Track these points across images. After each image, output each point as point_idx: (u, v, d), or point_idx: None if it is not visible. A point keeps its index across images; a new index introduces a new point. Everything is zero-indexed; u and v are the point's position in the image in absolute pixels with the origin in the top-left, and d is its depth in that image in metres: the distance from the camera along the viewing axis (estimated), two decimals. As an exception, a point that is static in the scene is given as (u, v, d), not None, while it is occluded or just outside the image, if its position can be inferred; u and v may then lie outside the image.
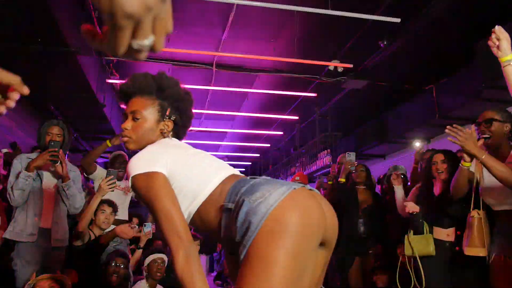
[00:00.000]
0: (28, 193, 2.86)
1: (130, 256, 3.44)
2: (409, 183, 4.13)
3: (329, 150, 7.91)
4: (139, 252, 3.66)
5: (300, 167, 9.22)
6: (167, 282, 3.26)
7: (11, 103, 0.82)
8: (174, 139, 1.49)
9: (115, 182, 3.11)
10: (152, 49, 0.53)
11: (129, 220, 3.91)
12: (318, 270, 1.27)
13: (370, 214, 3.97)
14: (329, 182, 4.62)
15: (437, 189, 2.93)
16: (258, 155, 12.26)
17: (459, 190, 2.59)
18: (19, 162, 2.92)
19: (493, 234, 2.46)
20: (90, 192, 3.91)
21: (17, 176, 2.82)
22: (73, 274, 2.92)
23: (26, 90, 0.81)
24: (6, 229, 2.91)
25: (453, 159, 2.86)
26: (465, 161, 2.44)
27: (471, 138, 2.26)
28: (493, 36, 2.02)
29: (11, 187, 2.82)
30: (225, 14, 4.80)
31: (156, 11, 0.49)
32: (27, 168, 2.82)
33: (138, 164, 1.29)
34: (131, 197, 3.78)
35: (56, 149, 2.86)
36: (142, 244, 3.67)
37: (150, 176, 1.25)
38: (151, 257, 3.14)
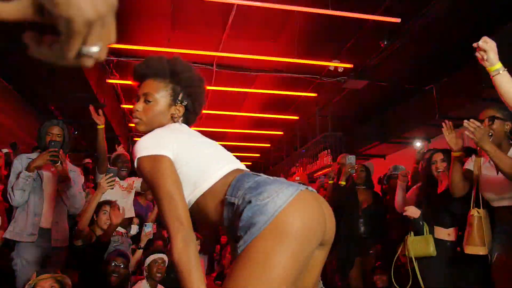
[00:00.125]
0: (29, 193, 2.86)
1: (131, 256, 3.44)
2: (409, 183, 4.13)
3: (329, 150, 7.90)
4: (139, 252, 3.67)
5: (300, 167, 9.22)
6: (167, 282, 3.26)
7: None
8: (183, 124, 1.49)
9: (114, 180, 3.10)
10: (96, 56, 0.54)
11: (140, 218, 3.91)
12: (315, 270, 1.29)
13: (370, 214, 3.98)
14: (330, 182, 4.63)
15: (440, 189, 2.92)
16: (259, 155, 12.26)
17: (455, 185, 2.59)
18: (20, 162, 2.92)
19: (494, 233, 2.46)
20: (90, 193, 3.92)
21: (18, 176, 2.82)
22: (73, 274, 2.93)
23: None
24: (6, 229, 2.91)
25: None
26: (453, 151, 2.47)
27: (486, 134, 2.27)
28: (479, 49, 2.02)
29: (12, 187, 2.82)
30: (225, 14, 4.80)
31: (106, 19, 0.51)
32: (28, 168, 2.82)
33: (145, 146, 1.29)
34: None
35: (56, 149, 2.86)
36: (142, 244, 3.67)
37: (156, 159, 1.26)
38: (152, 257, 3.15)
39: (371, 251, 3.91)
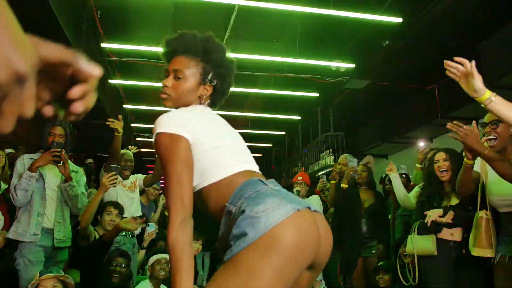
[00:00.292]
0: (31, 193, 2.87)
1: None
2: (411, 183, 4.13)
3: (331, 150, 7.90)
4: (142, 253, 3.67)
5: (302, 167, 9.22)
6: (170, 282, 3.26)
7: (79, 107, 0.51)
8: (208, 108, 1.48)
9: (117, 178, 3.10)
10: None
11: (143, 216, 3.91)
12: None
13: (372, 214, 3.98)
14: (332, 182, 4.63)
15: (443, 189, 2.90)
16: (260, 155, 12.26)
17: (463, 188, 2.57)
18: (22, 163, 2.93)
19: (498, 235, 2.46)
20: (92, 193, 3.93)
21: (20, 177, 2.83)
22: (76, 274, 2.94)
23: (95, 71, 0.51)
24: (9, 229, 2.92)
25: (455, 157, 2.85)
26: (467, 158, 2.43)
27: (472, 134, 2.21)
28: (464, 73, 1.90)
29: (14, 188, 2.83)
30: (227, 15, 4.80)
31: (7, 91, 0.42)
32: (30, 169, 2.83)
33: (167, 123, 1.28)
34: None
35: (59, 150, 2.87)
36: (145, 245, 3.67)
37: (174, 137, 1.26)
38: (155, 257, 3.15)
39: (373, 251, 3.90)
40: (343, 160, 4.52)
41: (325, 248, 1.21)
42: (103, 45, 5.14)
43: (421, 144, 4.39)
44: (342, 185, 4.13)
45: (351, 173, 4.07)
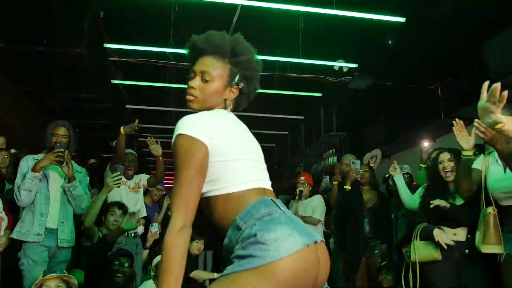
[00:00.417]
0: (35, 194, 2.88)
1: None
2: (414, 183, 4.12)
3: (334, 150, 7.90)
4: (145, 253, 3.68)
5: (304, 166, 9.21)
6: (158, 283, 3.25)
7: None
8: (231, 114, 1.44)
9: (121, 178, 3.11)
10: None
11: (145, 218, 3.91)
12: None
13: (375, 214, 3.98)
14: (334, 182, 4.63)
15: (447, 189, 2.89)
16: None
17: (463, 185, 2.57)
18: (26, 163, 2.94)
19: (502, 232, 2.45)
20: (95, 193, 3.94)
21: (24, 177, 2.85)
22: (79, 274, 2.94)
23: None
24: (13, 229, 2.93)
25: (460, 157, 2.84)
26: (464, 149, 2.44)
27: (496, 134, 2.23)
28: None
29: (18, 188, 2.84)
30: (229, 15, 4.80)
31: None
32: (34, 169, 2.84)
33: (189, 125, 1.25)
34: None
35: (62, 150, 2.88)
36: (148, 245, 3.68)
37: (193, 141, 1.23)
38: (159, 257, 3.15)
39: (376, 251, 3.90)
40: (346, 160, 4.52)
41: (321, 278, 1.23)
42: (105, 45, 5.15)
43: (426, 144, 4.37)
44: (345, 187, 4.14)
45: (354, 175, 4.08)
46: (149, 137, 3.80)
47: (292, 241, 1.14)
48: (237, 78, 1.41)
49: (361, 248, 3.91)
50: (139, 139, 9.19)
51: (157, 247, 3.70)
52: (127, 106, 7.70)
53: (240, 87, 1.43)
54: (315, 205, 4.50)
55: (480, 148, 3.01)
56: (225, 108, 1.43)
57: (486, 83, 1.76)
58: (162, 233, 3.95)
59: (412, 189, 3.59)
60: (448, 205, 2.74)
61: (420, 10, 4.51)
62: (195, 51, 1.44)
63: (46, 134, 3.02)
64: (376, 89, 6.35)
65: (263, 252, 1.11)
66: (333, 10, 4.19)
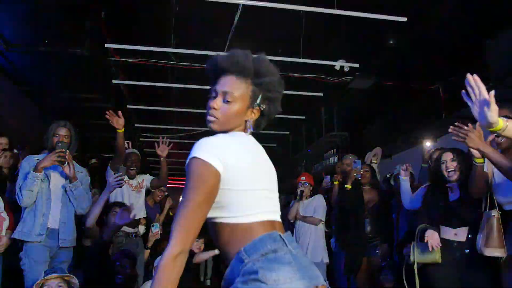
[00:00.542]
0: (36, 194, 2.89)
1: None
2: (415, 182, 4.11)
3: (335, 150, 7.89)
4: (147, 253, 3.68)
5: (305, 166, 9.20)
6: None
7: None
8: (251, 138, 1.41)
9: (123, 178, 3.12)
10: None
11: (147, 218, 3.91)
12: None
13: (376, 213, 3.98)
14: (335, 182, 4.63)
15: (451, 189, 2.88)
16: (264, 155, 12.24)
17: (476, 189, 2.56)
18: (28, 163, 2.95)
19: (505, 233, 2.44)
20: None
21: (26, 177, 2.85)
22: (80, 274, 2.95)
23: None
24: (14, 229, 2.94)
25: (462, 157, 2.83)
26: (476, 157, 2.42)
27: (473, 134, 2.20)
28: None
29: (20, 188, 2.85)
30: (230, 14, 4.80)
31: None
32: (35, 169, 2.84)
33: (207, 149, 1.22)
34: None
35: (63, 150, 2.88)
36: (149, 245, 3.68)
37: (207, 166, 1.20)
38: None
39: (377, 251, 3.90)
40: (347, 160, 4.52)
41: None
42: (106, 45, 5.15)
43: (428, 144, 4.37)
44: (346, 186, 4.15)
45: (355, 174, 4.09)
46: (162, 138, 3.79)
47: (292, 286, 1.13)
48: (259, 99, 1.38)
49: (362, 248, 3.91)
50: (140, 139, 9.20)
51: (158, 247, 3.70)
52: (128, 106, 7.71)
53: (262, 108, 1.39)
54: (316, 205, 4.50)
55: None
56: (245, 129, 1.39)
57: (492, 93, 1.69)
58: (163, 234, 3.95)
59: (414, 188, 3.59)
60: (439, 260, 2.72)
61: (422, 10, 4.50)
62: (217, 70, 1.39)
63: (48, 135, 3.03)
64: (378, 89, 6.33)
65: None
66: (334, 9, 4.18)
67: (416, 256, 2.78)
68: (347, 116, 8.07)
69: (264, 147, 1.48)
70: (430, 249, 2.68)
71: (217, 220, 1.25)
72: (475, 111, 1.75)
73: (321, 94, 6.79)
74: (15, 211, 3.11)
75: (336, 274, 4.40)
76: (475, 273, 2.63)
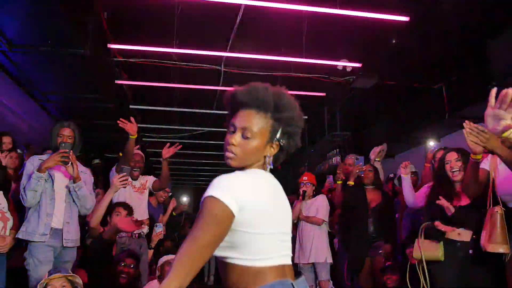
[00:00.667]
0: (40, 194, 2.90)
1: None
2: (419, 182, 4.11)
3: (337, 149, 7.88)
4: (150, 253, 3.69)
5: (308, 166, 9.19)
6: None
7: None
8: (270, 176, 1.37)
9: (127, 179, 3.13)
10: None
11: (150, 218, 3.92)
12: None
13: (379, 214, 3.97)
14: (338, 182, 4.63)
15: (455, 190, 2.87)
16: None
17: (469, 187, 2.55)
18: (32, 164, 2.96)
19: (509, 232, 2.44)
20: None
21: (29, 177, 2.86)
22: (83, 274, 2.96)
23: None
24: (18, 229, 2.95)
25: (467, 157, 2.82)
26: (474, 153, 2.42)
27: (493, 136, 2.20)
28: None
29: (24, 188, 2.86)
30: (233, 14, 4.80)
31: None
32: (39, 169, 2.85)
33: (224, 189, 1.18)
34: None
35: (67, 151, 2.89)
36: (153, 245, 3.69)
37: (224, 210, 1.16)
38: (165, 258, 3.16)
39: (380, 251, 3.89)
40: (349, 160, 4.52)
41: None
42: (109, 45, 5.16)
43: (431, 143, 4.36)
44: (348, 182, 4.16)
45: (357, 171, 4.10)
46: (175, 146, 3.75)
47: None
48: (278, 134, 1.34)
49: (365, 248, 3.91)
50: (143, 139, 9.22)
51: (161, 247, 3.71)
52: (131, 106, 7.72)
53: (281, 143, 1.35)
54: (319, 205, 4.50)
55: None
56: (264, 165, 1.36)
57: (494, 90, 1.72)
58: (166, 234, 3.96)
59: (417, 188, 3.59)
60: (452, 209, 2.73)
61: (424, 9, 4.49)
62: (236, 104, 1.36)
63: (52, 135, 3.04)
64: (380, 88, 6.32)
65: None
66: (337, 9, 4.18)
67: (422, 252, 2.78)
68: (350, 116, 8.07)
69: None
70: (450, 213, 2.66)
71: (228, 260, 1.23)
72: (489, 118, 1.79)
73: (324, 94, 6.79)
74: (19, 211, 3.13)
75: (339, 274, 4.40)
76: (478, 273, 2.62)
